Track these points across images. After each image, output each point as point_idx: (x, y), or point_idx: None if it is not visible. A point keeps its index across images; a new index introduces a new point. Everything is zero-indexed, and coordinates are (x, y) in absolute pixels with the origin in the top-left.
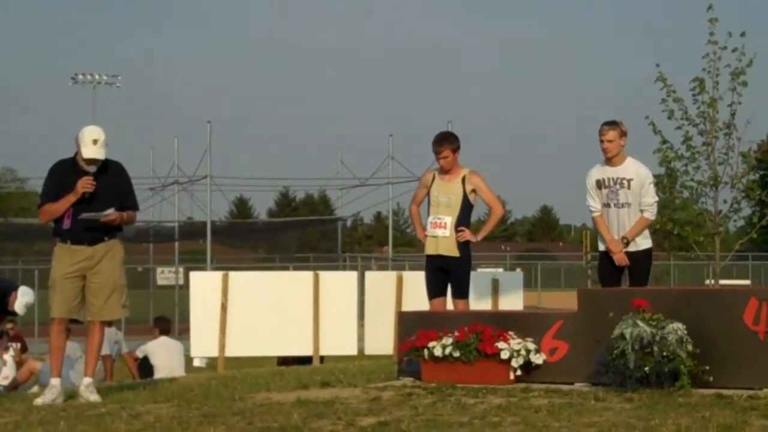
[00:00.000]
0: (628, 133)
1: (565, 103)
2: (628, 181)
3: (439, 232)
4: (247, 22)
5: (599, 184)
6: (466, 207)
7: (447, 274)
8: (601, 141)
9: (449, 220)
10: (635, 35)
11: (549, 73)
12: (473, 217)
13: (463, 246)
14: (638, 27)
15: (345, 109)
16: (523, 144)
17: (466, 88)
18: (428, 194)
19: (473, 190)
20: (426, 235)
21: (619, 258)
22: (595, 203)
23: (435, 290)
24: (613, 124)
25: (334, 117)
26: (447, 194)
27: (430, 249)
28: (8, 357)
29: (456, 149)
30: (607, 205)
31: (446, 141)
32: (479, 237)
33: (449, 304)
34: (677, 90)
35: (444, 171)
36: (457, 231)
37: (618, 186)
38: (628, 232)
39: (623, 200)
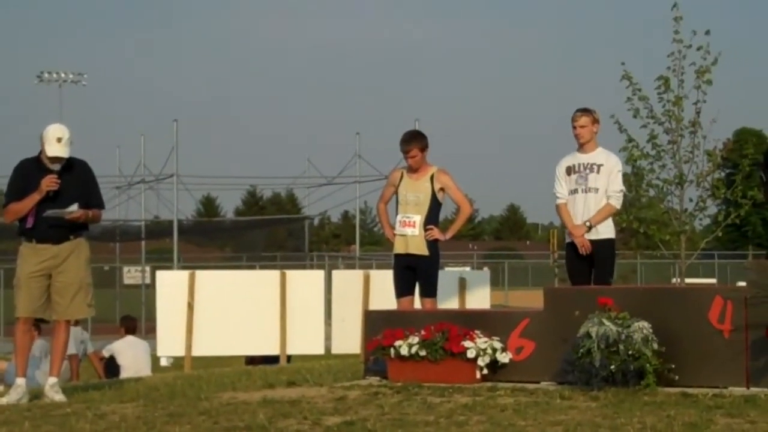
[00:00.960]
0: (600, 122)
1: (532, 102)
2: (599, 166)
3: (408, 230)
4: (214, 19)
5: (569, 170)
6: (435, 205)
7: (415, 272)
8: (574, 127)
9: (418, 219)
10: (600, 33)
11: (515, 72)
12: (441, 216)
13: (432, 244)
14: (604, 25)
15: (312, 107)
16: (490, 143)
17: (433, 86)
18: (396, 193)
19: (441, 189)
20: (395, 234)
21: (581, 242)
22: (561, 190)
23: (403, 289)
24: (585, 111)
25: (301, 115)
26: (415, 193)
27: (399, 248)
28: None
29: (424, 148)
30: (574, 191)
31: (414, 140)
32: (448, 235)
33: (417, 303)
34: (642, 88)
35: (412, 170)
36: (425, 229)
37: (588, 171)
38: (592, 218)
39: (592, 185)
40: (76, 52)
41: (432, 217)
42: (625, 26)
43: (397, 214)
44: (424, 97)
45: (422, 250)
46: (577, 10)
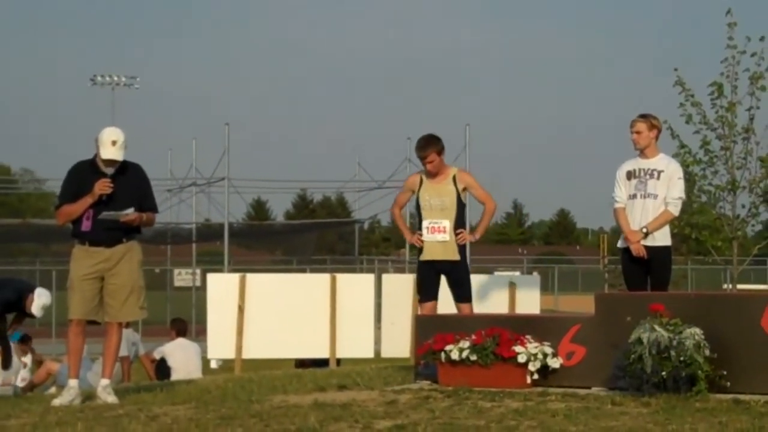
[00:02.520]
0: (660, 128)
1: (583, 106)
2: (659, 172)
3: (439, 236)
4: (266, 25)
5: (629, 175)
6: (461, 208)
7: (439, 276)
8: (631, 133)
9: (447, 224)
10: (654, 39)
11: (567, 76)
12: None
13: (461, 248)
14: (658, 31)
15: (363, 111)
16: (541, 147)
17: (483, 90)
18: (417, 198)
19: (464, 189)
20: (422, 240)
21: (636, 248)
22: (621, 194)
23: (430, 293)
24: (644, 116)
25: (352, 119)
26: (440, 197)
27: (431, 254)
28: (27, 359)
29: (441, 151)
30: (633, 196)
31: (430, 145)
32: (477, 236)
33: (446, 308)
34: (695, 94)
35: (432, 174)
36: (456, 233)
37: (648, 176)
38: (649, 224)
39: (651, 191)
40: (129, 55)
41: (460, 220)
42: (679, 32)
43: (420, 219)
44: (473, 102)
45: (454, 255)
46: (631, 13)
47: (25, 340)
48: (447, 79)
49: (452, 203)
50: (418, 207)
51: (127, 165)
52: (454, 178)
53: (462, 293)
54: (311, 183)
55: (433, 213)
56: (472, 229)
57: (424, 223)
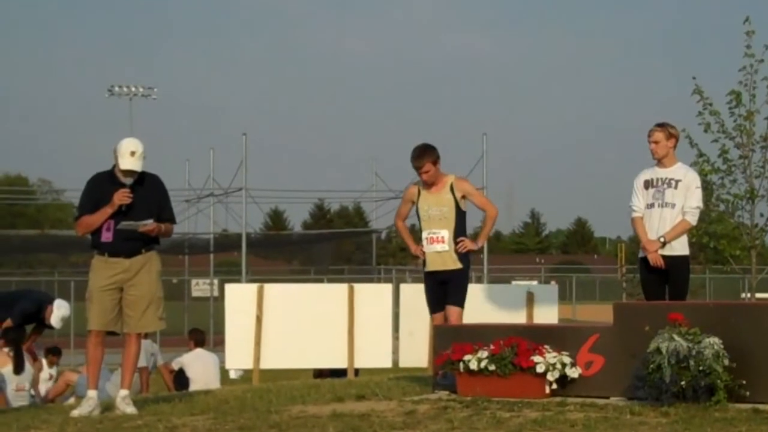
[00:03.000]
0: (678, 137)
1: (600, 115)
2: (677, 181)
3: (438, 247)
4: (283, 35)
5: (647, 184)
6: (460, 216)
7: (443, 286)
8: (649, 142)
9: (446, 234)
10: (672, 47)
11: (586, 85)
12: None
13: (463, 256)
14: (675, 39)
15: (380, 121)
16: (558, 156)
17: (500, 99)
18: (417, 209)
19: (463, 197)
20: (424, 252)
21: (653, 258)
22: (638, 203)
23: (436, 305)
24: (661, 125)
25: (369, 129)
26: (438, 207)
27: (432, 265)
28: (54, 371)
29: (435, 161)
30: (651, 206)
31: (425, 155)
32: (479, 243)
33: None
34: (714, 103)
35: (428, 185)
36: (456, 242)
37: (666, 186)
38: (667, 233)
39: (669, 200)
40: (147, 65)
41: (460, 229)
42: (697, 40)
43: (421, 230)
44: (490, 111)
45: (454, 264)
46: (648, 21)
47: (54, 352)
48: (464, 87)
49: (451, 212)
50: (418, 218)
51: (146, 176)
52: (451, 187)
53: (453, 297)
54: (328, 193)
55: (432, 223)
56: (474, 237)
57: (424, 234)
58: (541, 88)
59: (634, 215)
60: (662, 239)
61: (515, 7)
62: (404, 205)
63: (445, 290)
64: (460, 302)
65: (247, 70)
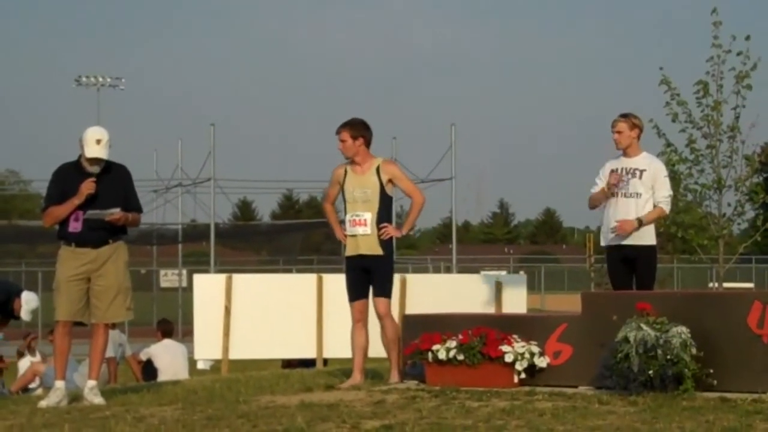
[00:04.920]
0: (642, 127)
1: (568, 106)
2: (641, 171)
3: (360, 230)
4: (250, 24)
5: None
6: (385, 200)
7: (369, 273)
8: (612, 132)
9: (369, 217)
10: (639, 37)
11: (552, 75)
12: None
13: (385, 243)
14: (642, 29)
15: (348, 111)
16: (526, 146)
17: (468, 90)
18: (342, 190)
19: (390, 180)
20: (345, 235)
21: (624, 224)
22: (597, 190)
23: (357, 292)
24: (624, 116)
25: (336, 119)
26: (362, 188)
27: (351, 249)
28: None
29: (357, 136)
30: (615, 195)
31: (347, 125)
32: (404, 231)
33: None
34: (681, 93)
35: (353, 162)
36: (378, 227)
37: (630, 176)
38: (644, 215)
39: (633, 190)
40: (114, 55)
41: (384, 213)
42: (665, 31)
43: (345, 213)
44: (460, 101)
45: (375, 249)
46: (615, 13)
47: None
48: (432, 78)
49: (375, 195)
50: (344, 200)
51: (112, 165)
52: (378, 169)
53: (380, 288)
54: (297, 183)
55: (356, 205)
56: (399, 224)
57: (347, 216)
58: (509, 79)
59: (593, 190)
60: (639, 221)
61: None
62: (332, 187)
63: (367, 278)
64: (387, 292)
65: (216, 59)
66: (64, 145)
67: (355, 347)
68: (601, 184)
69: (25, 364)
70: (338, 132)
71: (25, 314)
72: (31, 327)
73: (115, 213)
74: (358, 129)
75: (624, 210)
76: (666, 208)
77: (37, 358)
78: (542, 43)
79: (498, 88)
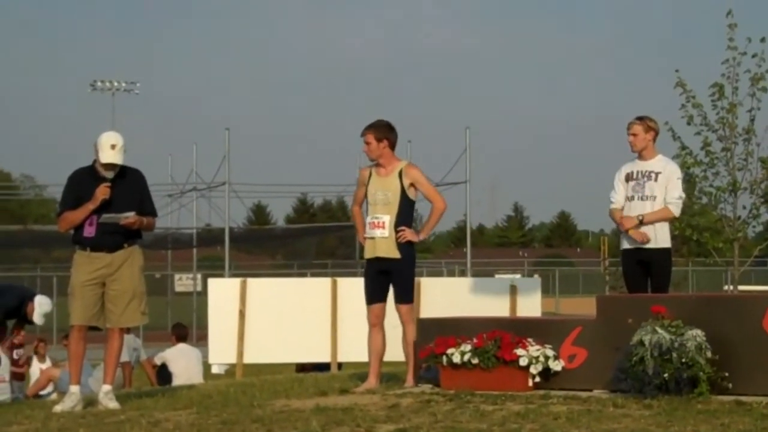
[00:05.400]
0: (658, 130)
1: (583, 108)
2: (656, 174)
3: (378, 232)
4: (265, 28)
5: (628, 177)
6: (406, 204)
7: (388, 277)
8: (628, 135)
9: (387, 219)
10: (655, 39)
11: (568, 77)
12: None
13: (405, 246)
14: (658, 31)
15: (363, 115)
16: (541, 149)
17: (483, 92)
18: (366, 192)
19: (412, 185)
20: (365, 237)
21: (636, 234)
22: (617, 196)
23: (373, 295)
24: (640, 119)
25: (351, 123)
26: (384, 191)
27: (369, 252)
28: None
29: (382, 138)
30: (631, 198)
31: (372, 127)
32: (422, 236)
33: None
34: (696, 96)
35: (378, 165)
36: (396, 231)
37: (645, 179)
38: (647, 215)
39: (648, 193)
40: (129, 60)
41: (404, 217)
42: (680, 33)
43: (367, 215)
44: (474, 105)
45: (393, 252)
46: (632, 14)
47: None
48: (447, 81)
49: (396, 198)
50: (366, 202)
51: (126, 170)
52: (400, 173)
53: (401, 294)
54: (312, 187)
55: (377, 208)
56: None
57: (367, 219)
58: (524, 82)
59: (613, 207)
60: (640, 218)
61: (498, 0)
62: (359, 189)
63: (384, 282)
64: (409, 298)
65: (231, 64)
66: (79, 149)
67: (372, 351)
68: (615, 195)
69: (34, 370)
70: (363, 134)
71: (37, 318)
72: (46, 332)
73: (129, 217)
74: (383, 131)
75: (640, 213)
76: (674, 210)
77: (47, 363)
78: (557, 44)
79: (513, 91)
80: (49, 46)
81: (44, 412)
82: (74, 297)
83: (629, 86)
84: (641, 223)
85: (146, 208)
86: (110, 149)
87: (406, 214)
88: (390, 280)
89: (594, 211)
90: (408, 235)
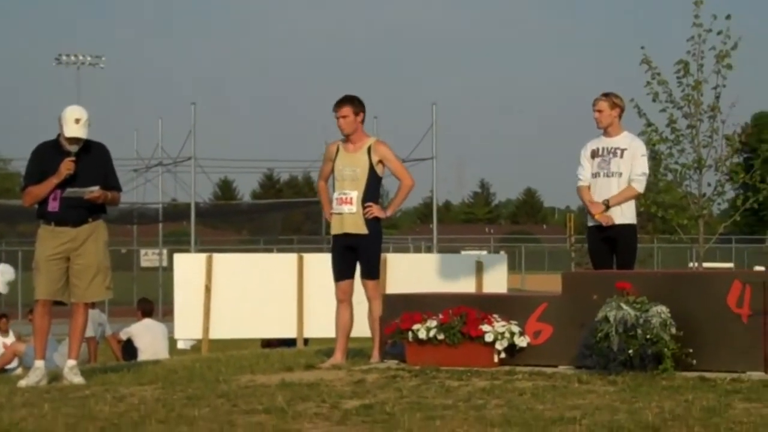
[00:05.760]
0: (623, 107)
1: (549, 86)
2: (622, 150)
3: (345, 208)
4: (231, 3)
5: (593, 154)
6: (373, 180)
7: (355, 253)
8: (593, 111)
9: (355, 195)
10: (620, 17)
11: (532, 55)
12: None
13: (372, 222)
14: (623, 8)
15: (329, 91)
16: (508, 127)
17: (451, 70)
18: (333, 167)
19: (380, 161)
20: (331, 213)
21: (602, 218)
22: (584, 172)
23: (342, 272)
24: (605, 95)
25: (318, 99)
26: (352, 167)
27: (336, 228)
28: (8, 339)
29: (358, 112)
30: (596, 175)
31: (346, 101)
32: (389, 212)
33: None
34: (662, 72)
35: (347, 140)
36: (364, 206)
37: (611, 155)
38: (612, 197)
39: (614, 169)
40: (95, 34)
41: (371, 193)
42: (645, 10)
43: (334, 191)
44: (441, 82)
45: (360, 228)
46: None
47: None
48: (415, 57)
49: (363, 174)
50: (333, 178)
51: (91, 144)
52: (369, 149)
53: (367, 270)
54: (278, 162)
55: (345, 184)
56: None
57: (334, 194)
58: (492, 58)
59: (580, 184)
60: (606, 202)
61: None
62: (326, 164)
63: (352, 258)
64: (375, 274)
65: (196, 38)
66: (43, 123)
67: (339, 327)
68: (583, 171)
69: None
70: (339, 108)
71: (1, 286)
72: (11, 307)
73: (94, 191)
74: (359, 105)
75: (606, 189)
76: (638, 186)
77: (10, 338)
78: (523, 22)
79: (480, 68)
80: (14, 19)
81: (9, 387)
82: (39, 271)
83: (595, 63)
84: (608, 207)
85: (111, 182)
86: (74, 123)
87: (373, 190)
88: (357, 256)
89: (560, 188)
90: (375, 211)
